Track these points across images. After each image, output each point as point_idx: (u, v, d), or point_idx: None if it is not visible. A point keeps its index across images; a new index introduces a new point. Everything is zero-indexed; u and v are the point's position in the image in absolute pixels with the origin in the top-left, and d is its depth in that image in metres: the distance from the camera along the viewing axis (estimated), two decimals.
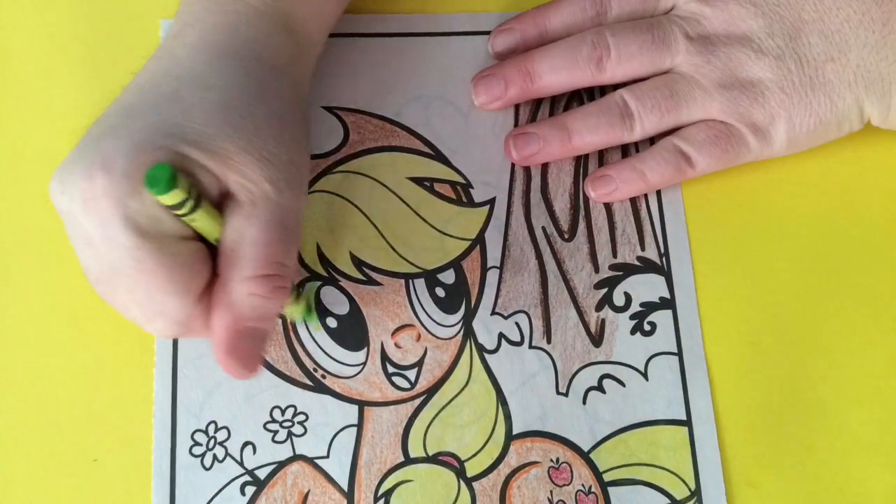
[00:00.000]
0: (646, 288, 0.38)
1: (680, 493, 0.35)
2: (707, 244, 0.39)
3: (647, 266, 0.38)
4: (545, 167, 0.39)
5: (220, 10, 0.32)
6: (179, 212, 0.27)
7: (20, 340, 0.36)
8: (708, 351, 0.37)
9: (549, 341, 0.37)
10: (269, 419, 0.35)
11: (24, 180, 0.38)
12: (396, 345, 0.37)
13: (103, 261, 0.28)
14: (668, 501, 0.35)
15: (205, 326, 0.30)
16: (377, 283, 0.37)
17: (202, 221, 0.28)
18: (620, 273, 0.38)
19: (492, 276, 0.38)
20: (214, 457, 0.35)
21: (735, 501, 0.35)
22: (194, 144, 0.28)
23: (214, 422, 0.35)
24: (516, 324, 0.37)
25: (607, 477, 0.35)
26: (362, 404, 0.36)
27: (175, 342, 0.36)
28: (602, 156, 0.40)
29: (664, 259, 0.38)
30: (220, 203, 0.30)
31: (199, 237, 0.30)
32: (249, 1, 0.32)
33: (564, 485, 0.35)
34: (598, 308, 0.38)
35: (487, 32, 0.41)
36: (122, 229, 0.27)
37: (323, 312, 0.37)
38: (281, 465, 0.35)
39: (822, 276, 0.38)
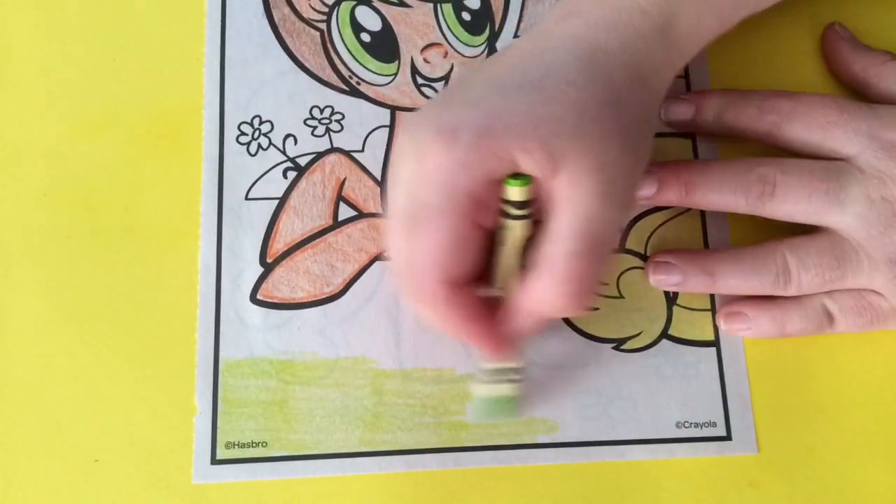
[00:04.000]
0: None
1: None
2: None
3: None
4: None
5: (604, 5, 0.31)
6: (516, 211, 0.29)
7: (20, 340, 0.36)
8: None
9: None
10: (309, 116, 0.39)
11: (25, 180, 0.38)
12: (425, 60, 0.40)
13: (408, 199, 0.29)
14: None
15: (435, 312, 0.31)
16: (407, 6, 0.40)
17: (519, 230, 0.30)
18: None
19: (515, 2, 0.41)
20: (259, 145, 0.38)
21: (736, 500, 0.35)
22: (539, 142, 0.28)
23: (259, 115, 0.38)
24: None
25: None
26: (394, 109, 0.39)
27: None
28: None
29: None
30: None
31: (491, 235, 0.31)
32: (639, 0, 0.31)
33: None
34: None
35: None
36: (437, 190, 0.28)
37: (357, 28, 0.40)
38: (320, 155, 0.38)
39: None
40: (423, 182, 0.29)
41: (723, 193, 0.35)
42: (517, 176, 0.29)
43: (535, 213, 0.30)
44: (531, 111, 0.28)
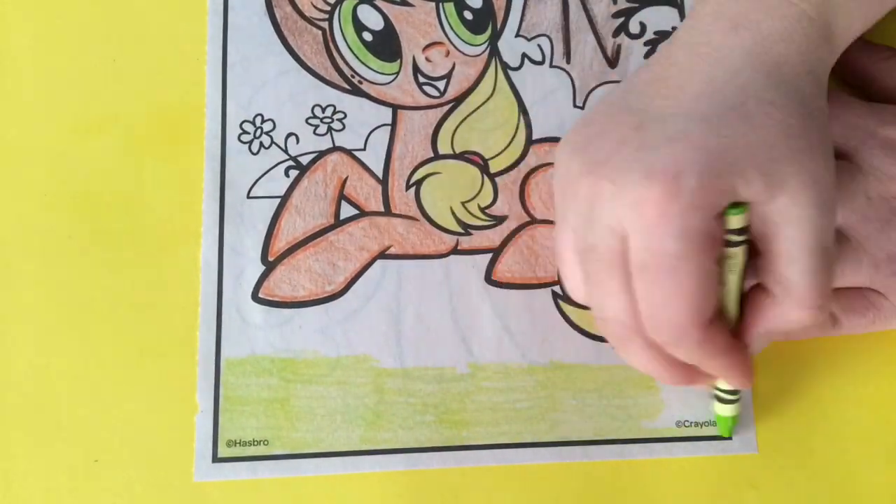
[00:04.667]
0: (660, 17, 0.41)
1: None
2: None
3: None
4: None
5: (773, 15, 0.30)
6: (737, 238, 0.29)
7: (20, 340, 0.36)
8: None
9: (568, 62, 0.40)
10: (311, 115, 0.39)
11: (25, 180, 0.38)
12: (427, 59, 0.40)
13: (622, 245, 0.29)
14: None
15: (696, 355, 0.30)
16: (409, 5, 0.40)
17: (741, 255, 0.30)
18: (637, 5, 0.41)
19: (517, 2, 0.41)
20: (261, 144, 0.38)
21: (736, 500, 0.35)
22: (758, 170, 0.28)
23: (261, 114, 0.38)
24: (538, 45, 0.40)
25: None
26: (395, 107, 0.39)
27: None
28: None
29: None
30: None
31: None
32: (803, 7, 0.30)
33: None
34: (615, 34, 0.40)
35: None
36: (674, 237, 0.28)
37: (359, 27, 0.40)
38: (322, 153, 0.38)
39: None
40: (650, 231, 0.28)
41: None
42: (734, 204, 0.29)
43: (751, 236, 0.30)
44: (745, 140, 0.28)
